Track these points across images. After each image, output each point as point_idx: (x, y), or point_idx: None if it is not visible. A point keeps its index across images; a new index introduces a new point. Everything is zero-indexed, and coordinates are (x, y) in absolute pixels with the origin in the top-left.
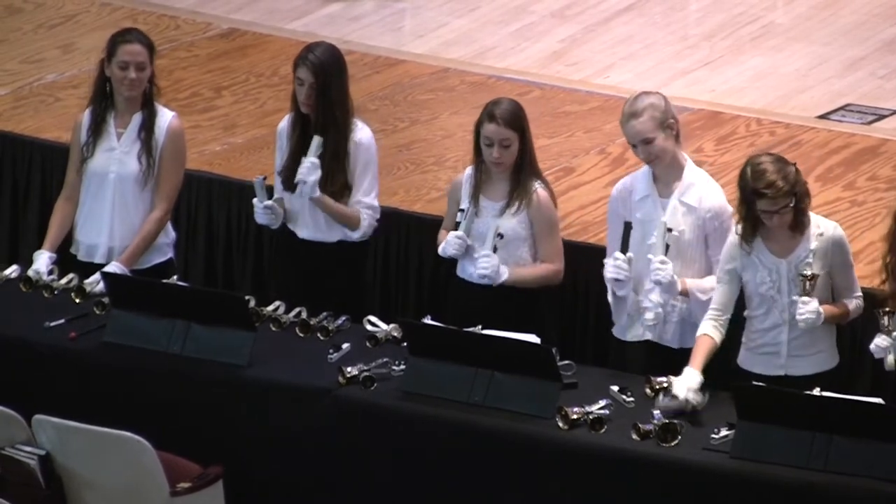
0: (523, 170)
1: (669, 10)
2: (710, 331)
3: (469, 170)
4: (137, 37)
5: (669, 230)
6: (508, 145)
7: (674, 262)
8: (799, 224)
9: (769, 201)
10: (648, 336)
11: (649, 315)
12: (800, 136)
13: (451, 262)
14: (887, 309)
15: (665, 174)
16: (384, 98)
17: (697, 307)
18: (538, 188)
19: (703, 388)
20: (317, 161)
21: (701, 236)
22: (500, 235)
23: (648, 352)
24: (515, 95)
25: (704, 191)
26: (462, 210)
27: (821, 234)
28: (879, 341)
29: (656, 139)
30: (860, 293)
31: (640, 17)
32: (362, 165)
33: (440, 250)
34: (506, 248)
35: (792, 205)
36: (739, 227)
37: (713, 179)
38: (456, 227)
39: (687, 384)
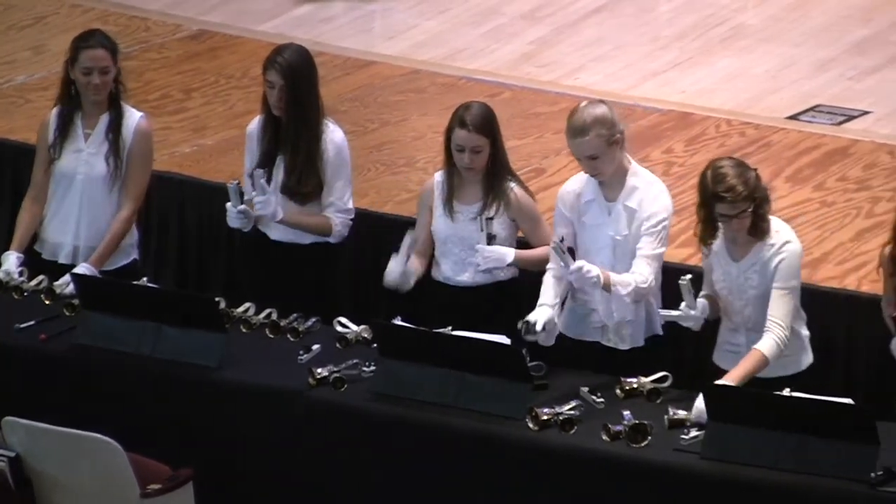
0: (496, 173)
1: (640, 11)
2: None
3: (439, 175)
4: (100, 40)
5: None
6: (480, 151)
7: (619, 266)
8: (758, 230)
9: (728, 205)
10: (597, 338)
11: (596, 318)
12: (770, 137)
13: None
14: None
15: (609, 180)
16: (355, 99)
17: (617, 302)
18: (514, 188)
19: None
20: (263, 197)
21: None
22: (492, 236)
23: (597, 352)
24: (486, 97)
25: (645, 194)
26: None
27: (772, 245)
28: None
29: (601, 156)
30: (784, 324)
31: (610, 18)
32: (334, 168)
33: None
34: None
35: (750, 210)
36: (699, 228)
37: (658, 180)
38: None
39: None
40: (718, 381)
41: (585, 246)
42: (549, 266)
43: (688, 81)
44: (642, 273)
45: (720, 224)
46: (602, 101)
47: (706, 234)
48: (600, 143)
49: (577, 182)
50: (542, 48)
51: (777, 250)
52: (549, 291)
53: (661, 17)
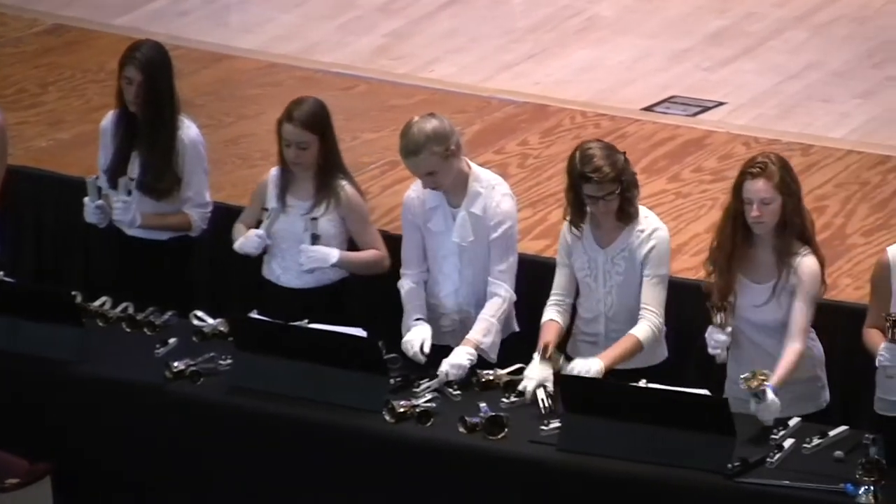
0: (327, 170)
1: (494, 3)
2: (554, 315)
3: (275, 170)
4: None
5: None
6: (306, 147)
7: (466, 272)
8: (625, 214)
9: (595, 186)
10: (449, 342)
11: (446, 322)
12: (625, 129)
13: (257, 263)
14: (721, 304)
15: (451, 187)
16: (211, 93)
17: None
18: (345, 186)
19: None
20: (126, 200)
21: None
22: (316, 237)
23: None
24: (342, 90)
25: (489, 199)
26: (266, 209)
27: (641, 231)
28: (717, 336)
29: (439, 171)
30: (658, 311)
31: (465, 10)
32: (190, 163)
33: (236, 246)
34: None
35: (618, 192)
36: (568, 211)
37: (500, 181)
38: (258, 226)
39: (538, 377)
40: (594, 358)
41: (433, 252)
42: (404, 272)
43: (543, 73)
44: (504, 289)
45: (588, 209)
46: (433, 115)
47: (575, 217)
48: (436, 159)
49: (419, 190)
50: (398, 41)
51: (647, 236)
52: (414, 301)
53: (516, 9)
